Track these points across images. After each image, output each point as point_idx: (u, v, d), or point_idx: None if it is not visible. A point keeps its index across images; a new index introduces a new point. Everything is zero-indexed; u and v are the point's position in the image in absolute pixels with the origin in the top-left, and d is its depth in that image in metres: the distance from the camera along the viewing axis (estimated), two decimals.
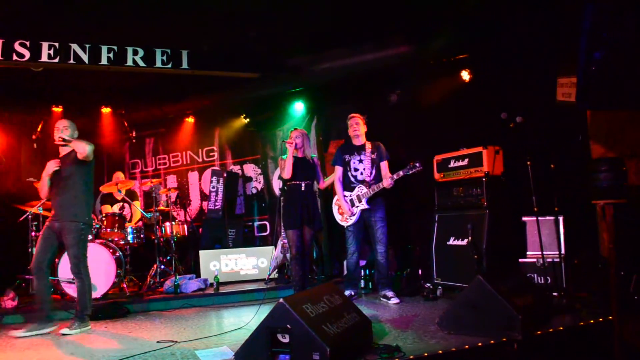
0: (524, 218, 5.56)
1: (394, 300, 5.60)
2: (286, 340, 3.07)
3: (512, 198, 5.77)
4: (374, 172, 5.79)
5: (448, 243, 5.84)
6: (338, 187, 5.92)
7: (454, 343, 3.64)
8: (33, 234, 7.02)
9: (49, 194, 5.12)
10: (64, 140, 5.01)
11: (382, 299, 5.74)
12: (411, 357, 3.30)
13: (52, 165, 5.04)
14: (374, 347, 3.58)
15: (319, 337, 2.96)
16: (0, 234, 6.48)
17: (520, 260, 5.48)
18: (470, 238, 5.44)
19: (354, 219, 5.79)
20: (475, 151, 5.75)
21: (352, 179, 5.85)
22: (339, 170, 5.96)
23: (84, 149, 4.91)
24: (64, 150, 5.17)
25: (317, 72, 7.27)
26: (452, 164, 6.00)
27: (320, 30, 6.63)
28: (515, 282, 4.21)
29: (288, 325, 3.03)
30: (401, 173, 5.43)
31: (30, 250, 6.98)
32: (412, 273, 6.34)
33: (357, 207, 5.78)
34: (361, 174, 5.81)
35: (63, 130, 5.03)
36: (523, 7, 5.76)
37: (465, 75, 6.67)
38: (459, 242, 5.68)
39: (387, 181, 5.51)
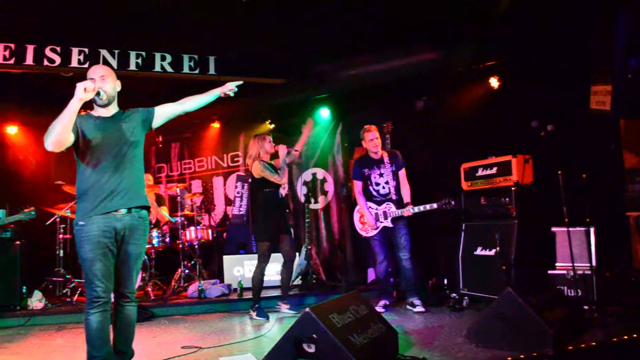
0: (554, 229, 5.42)
1: (419, 309, 5.55)
2: (312, 350, 3.03)
3: (542, 208, 5.63)
4: (395, 183, 5.81)
5: (475, 253, 5.73)
6: (361, 200, 5.89)
7: (482, 357, 3.57)
8: (61, 236, 7.13)
9: None
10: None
11: (408, 306, 5.71)
12: None
13: None
14: (400, 358, 3.52)
15: (346, 348, 2.91)
16: (29, 237, 6.55)
17: (550, 272, 5.36)
18: (498, 248, 5.33)
19: (375, 231, 5.79)
20: (504, 160, 5.64)
21: (375, 193, 5.86)
22: (358, 184, 5.94)
23: None
24: None
25: (342, 79, 7.26)
26: (480, 173, 5.90)
27: (347, 36, 6.62)
28: (545, 294, 4.11)
29: (314, 335, 2.99)
30: (435, 206, 5.48)
31: (57, 252, 7.08)
32: (437, 283, 6.24)
33: (381, 222, 5.77)
34: (383, 187, 5.82)
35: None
36: (556, 14, 5.66)
37: (494, 82, 6.58)
38: (487, 252, 5.57)
39: (406, 212, 5.59)
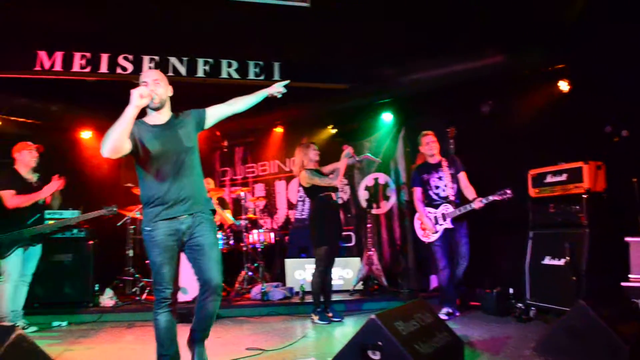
0: (627, 238, 5.16)
1: (444, 316, 5.55)
2: (377, 357, 3.02)
3: (615, 217, 5.40)
4: (455, 187, 5.82)
5: (543, 262, 5.55)
6: (420, 207, 5.91)
7: None
8: (131, 237, 7.41)
9: None
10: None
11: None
12: None
13: None
14: None
15: (412, 357, 2.89)
16: (101, 237, 6.85)
17: (623, 284, 5.12)
18: (568, 258, 5.14)
19: (436, 235, 5.77)
20: (574, 166, 5.43)
21: (435, 197, 5.87)
22: (417, 191, 5.97)
23: None
24: None
25: (406, 83, 7.21)
26: (548, 179, 5.71)
27: (410, 41, 6.58)
28: (619, 307, 3.94)
29: (379, 342, 2.98)
30: (490, 198, 5.44)
31: (127, 252, 7.36)
32: (502, 292, 6.08)
33: (440, 225, 5.76)
34: (443, 190, 5.82)
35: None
36: (631, 15, 5.42)
37: (563, 85, 6.35)
38: (556, 262, 5.38)
39: (477, 203, 5.51)
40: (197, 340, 3.58)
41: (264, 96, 3.72)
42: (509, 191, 5.35)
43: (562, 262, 5.27)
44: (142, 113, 3.42)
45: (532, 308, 5.48)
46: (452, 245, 5.82)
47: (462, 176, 5.86)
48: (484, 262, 6.74)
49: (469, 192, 5.79)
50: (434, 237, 5.80)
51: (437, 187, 5.85)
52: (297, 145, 5.94)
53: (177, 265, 3.46)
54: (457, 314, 5.80)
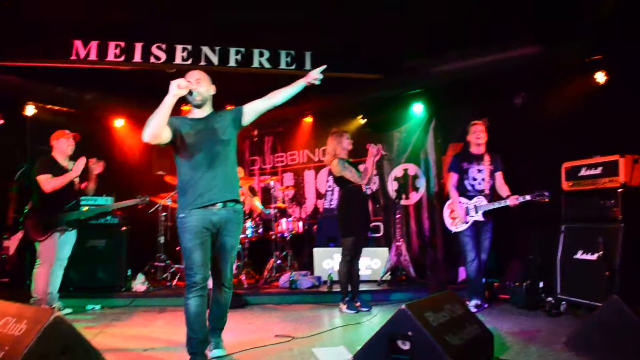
0: None
1: (473, 309, 5.52)
2: (407, 347, 3.03)
3: None
4: (491, 182, 5.81)
5: (575, 256, 5.47)
6: (454, 193, 5.87)
7: None
8: (162, 224, 7.54)
9: None
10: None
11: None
12: None
13: None
14: None
15: (442, 348, 2.89)
16: (133, 224, 6.98)
17: None
18: (601, 252, 5.06)
19: (465, 226, 5.74)
20: (610, 159, 5.33)
21: (469, 188, 5.83)
22: (454, 177, 5.90)
23: None
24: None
25: (437, 74, 7.14)
26: (582, 172, 5.62)
27: (443, 31, 6.52)
28: None
29: (409, 332, 2.99)
30: (528, 197, 5.38)
31: (159, 239, 7.49)
32: (532, 285, 6.02)
33: (471, 216, 5.73)
34: (479, 183, 5.80)
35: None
36: None
37: (600, 77, 6.23)
38: (588, 257, 5.31)
39: (512, 200, 5.47)
40: (214, 330, 3.84)
41: (302, 87, 3.74)
42: (547, 194, 5.29)
43: (595, 256, 5.20)
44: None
45: (563, 302, 5.41)
46: (478, 234, 5.81)
47: (499, 175, 5.83)
48: (513, 255, 6.69)
49: (503, 190, 5.75)
50: (461, 227, 5.77)
51: (474, 179, 5.80)
52: (330, 133, 5.91)
53: (208, 252, 3.61)
54: (486, 305, 5.77)
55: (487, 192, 5.77)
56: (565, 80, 6.59)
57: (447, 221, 5.99)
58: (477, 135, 5.81)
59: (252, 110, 3.77)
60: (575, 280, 5.43)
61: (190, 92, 3.59)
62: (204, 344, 3.63)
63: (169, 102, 3.41)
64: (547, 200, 5.30)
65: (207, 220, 3.56)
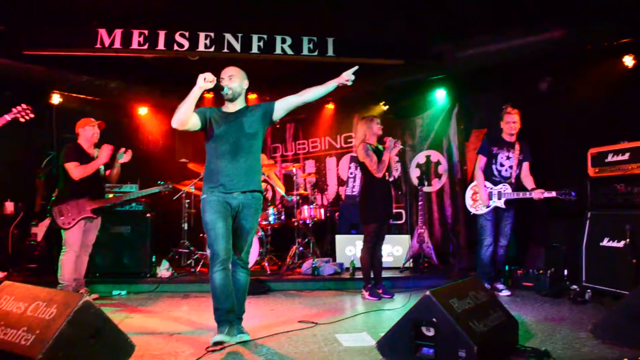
0: None
1: (506, 293, 5.74)
2: (431, 333, 3.03)
3: None
4: (517, 171, 5.84)
5: (601, 244, 5.40)
6: (480, 175, 5.92)
7: (609, 354, 3.41)
8: (186, 211, 7.62)
9: None
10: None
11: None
12: None
13: None
14: (520, 349, 3.43)
15: (466, 334, 2.88)
16: (157, 210, 7.07)
17: None
18: (628, 240, 4.98)
19: (485, 210, 5.82)
20: (638, 145, 5.22)
21: (496, 173, 5.88)
22: (482, 159, 5.94)
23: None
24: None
25: (461, 59, 7.05)
26: (609, 158, 5.52)
27: (466, 15, 6.41)
28: None
29: (434, 319, 2.99)
30: (554, 193, 5.41)
31: (183, 225, 7.58)
32: (556, 273, 5.97)
33: (493, 202, 5.78)
34: (506, 170, 5.84)
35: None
36: None
37: (628, 60, 6.10)
38: (615, 244, 5.23)
39: (537, 194, 5.51)
40: (235, 316, 3.91)
41: (334, 87, 3.89)
42: (573, 194, 5.30)
43: (621, 244, 5.12)
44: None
45: (588, 291, 5.35)
46: (497, 222, 5.88)
47: (526, 165, 5.87)
48: (537, 242, 6.63)
49: (528, 181, 5.80)
50: (481, 211, 5.85)
51: (501, 165, 5.86)
52: (360, 118, 5.92)
53: (229, 227, 3.84)
54: (488, 286, 5.79)
55: (512, 180, 5.81)
56: (592, 64, 6.47)
57: (468, 202, 6.08)
58: (511, 127, 5.84)
59: (284, 105, 3.97)
60: (600, 268, 5.36)
61: (222, 88, 3.87)
62: (230, 313, 3.82)
63: (195, 93, 3.71)
64: (574, 199, 5.31)
65: (227, 201, 3.85)
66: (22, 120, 4.67)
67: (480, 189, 5.85)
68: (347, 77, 3.81)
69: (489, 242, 5.81)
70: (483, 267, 5.89)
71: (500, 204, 5.74)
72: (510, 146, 5.87)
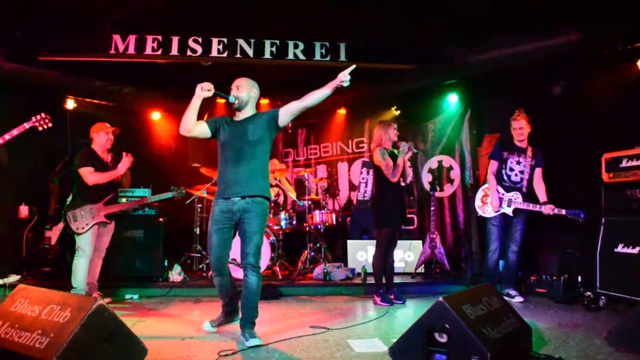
0: None
1: (519, 299, 5.72)
2: (443, 340, 3.02)
3: None
4: (528, 177, 5.84)
5: (616, 250, 5.35)
6: (492, 180, 5.93)
7: None
8: (198, 215, 7.65)
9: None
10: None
11: (505, 297, 5.61)
12: None
13: None
14: (534, 356, 3.40)
15: (479, 341, 2.86)
16: (169, 215, 7.10)
17: None
18: None
19: (494, 214, 5.85)
20: None
21: (505, 178, 5.90)
22: (494, 164, 5.98)
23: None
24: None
25: (473, 63, 7.02)
26: (624, 164, 5.47)
27: (478, 19, 6.39)
28: None
29: (447, 325, 2.97)
30: (564, 212, 5.47)
31: (195, 230, 7.60)
32: (569, 279, 5.92)
33: (502, 208, 5.82)
34: (516, 175, 5.86)
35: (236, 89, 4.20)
36: None
37: None
38: (630, 250, 5.18)
39: (547, 210, 5.55)
40: (246, 323, 4.04)
41: (330, 91, 3.92)
42: (582, 215, 5.33)
43: (636, 250, 5.08)
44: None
45: (602, 297, 5.30)
46: (506, 228, 5.90)
47: (538, 171, 5.86)
48: (550, 249, 6.58)
49: (540, 188, 5.80)
50: (489, 214, 5.90)
51: (511, 169, 5.87)
52: (377, 122, 5.91)
53: (224, 238, 4.13)
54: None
55: (524, 187, 5.81)
56: (606, 68, 6.41)
57: (477, 203, 6.13)
58: (520, 133, 5.87)
59: (287, 112, 4.08)
60: (615, 275, 5.31)
61: (223, 96, 4.06)
62: (226, 306, 4.40)
63: (194, 102, 3.99)
64: (581, 220, 5.35)
65: (229, 208, 4.07)
66: (40, 129, 4.72)
67: (492, 193, 5.87)
68: (343, 77, 3.80)
69: (494, 247, 5.87)
70: (488, 271, 5.96)
71: (509, 211, 5.78)
72: (522, 151, 5.87)
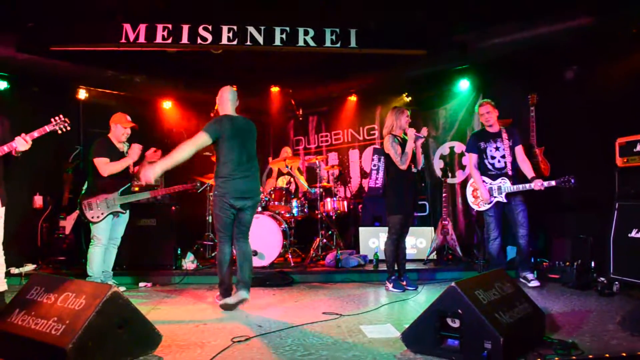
0: None
1: (534, 283, 5.72)
2: (456, 325, 3.02)
3: None
4: (511, 159, 5.82)
5: (630, 235, 5.30)
6: (476, 173, 5.96)
7: (639, 346, 3.34)
8: (210, 203, 7.67)
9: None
10: None
11: (521, 279, 5.81)
12: (590, 356, 3.07)
13: None
14: (546, 341, 3.39)
15: (492, 325, 2.86)
16: (182, 203, 7.14)
17: None
18: None
19: (488, 206, 5.85)
20: None
21: (490, 167, 5.91)
22: (473, 157, 6.01)
23: None
24: None
25: (485, 48, 6.95)
26: (638, 148, 5.40)
27: (491, 3, 6.32)
28: None
29: (459, 310, 2.97)
30: (553, 183, 5.44)
31: (207, 218, 7.64)
32: (583, 265, 5.89)
33: (494, 197, 5.81)
34: (499, 161, 5.86)
35: None
36: None
37: None
38: None
39: (537, 185, 5.51)
40: (241, 282, 4.76)
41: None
42: (572, 180, 5.31)
43: None
44: None
45: (616, 283, 5.27)
46: (507, 215, 5.89)
47: (519, 150, 5.85)
48: (562, 234, 6.54)
49: (526, 166, 5.79)
50: (485, 207, 5.89)
51: (492, 158, 5.88)
52: (391, 108, 5.86)
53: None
54: None
55: (508, 171, 5.80)
56: (619, 53, 6.33)
57: (470, 199, 6.15)
58: (486, 118, 5.91)
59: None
60: (629, 260, 5.26)
61: None
62: (225, 284, 4.87)
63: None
64: (574, 185, 5.32)
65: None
66: (59, 132, 4.76)
67: (479, 186, 5.88)
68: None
69: (494, 235, 5.88)
70: (492, 260, 5.95)
71: (502, 198, 5.78)
72: (497, 136, 5.88)
